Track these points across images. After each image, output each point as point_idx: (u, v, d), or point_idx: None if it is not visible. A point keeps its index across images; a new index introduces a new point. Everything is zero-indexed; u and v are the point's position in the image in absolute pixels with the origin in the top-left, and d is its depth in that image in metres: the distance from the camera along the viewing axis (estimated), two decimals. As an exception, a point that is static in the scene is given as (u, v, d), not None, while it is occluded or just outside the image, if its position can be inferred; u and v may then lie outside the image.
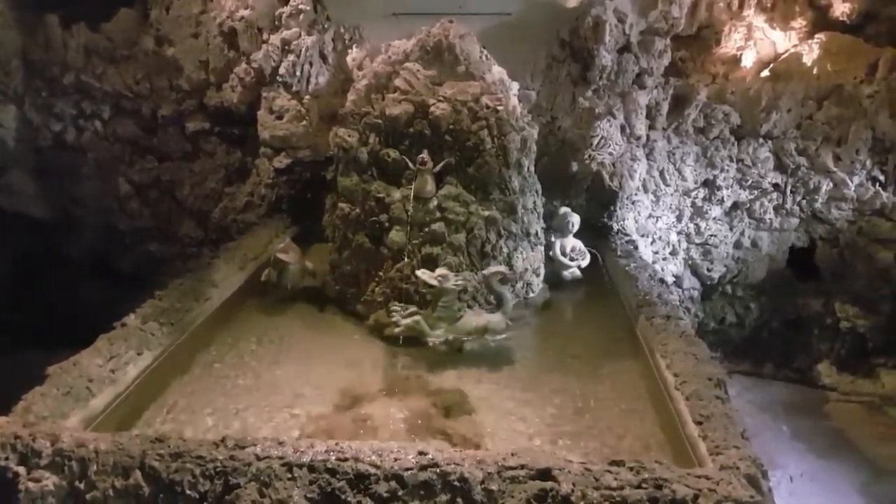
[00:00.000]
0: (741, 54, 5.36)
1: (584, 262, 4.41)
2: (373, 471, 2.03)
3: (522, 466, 2.04)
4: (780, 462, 4.57)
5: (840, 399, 5.49)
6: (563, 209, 4.60)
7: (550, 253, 4.36)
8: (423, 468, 2.03)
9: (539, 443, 2.68)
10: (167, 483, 2.06)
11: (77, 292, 5.56)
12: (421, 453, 2.09)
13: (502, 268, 3.59)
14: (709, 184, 5.39)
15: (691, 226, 5.53)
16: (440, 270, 3.43)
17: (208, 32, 5.13)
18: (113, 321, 3.08)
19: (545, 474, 2.02)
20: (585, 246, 4.52)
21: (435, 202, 3.73)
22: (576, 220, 4.49)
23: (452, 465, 2.03)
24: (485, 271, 3.58)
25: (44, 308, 5.38)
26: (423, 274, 3.42)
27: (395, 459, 2.07)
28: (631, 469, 2.05)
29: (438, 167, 3.76)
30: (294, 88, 4.97)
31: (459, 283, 3.44)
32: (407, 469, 2.03)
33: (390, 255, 3.74)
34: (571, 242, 4.45)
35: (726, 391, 2.71)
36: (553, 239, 4.45)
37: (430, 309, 3.43)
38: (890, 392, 5.44)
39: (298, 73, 4.92)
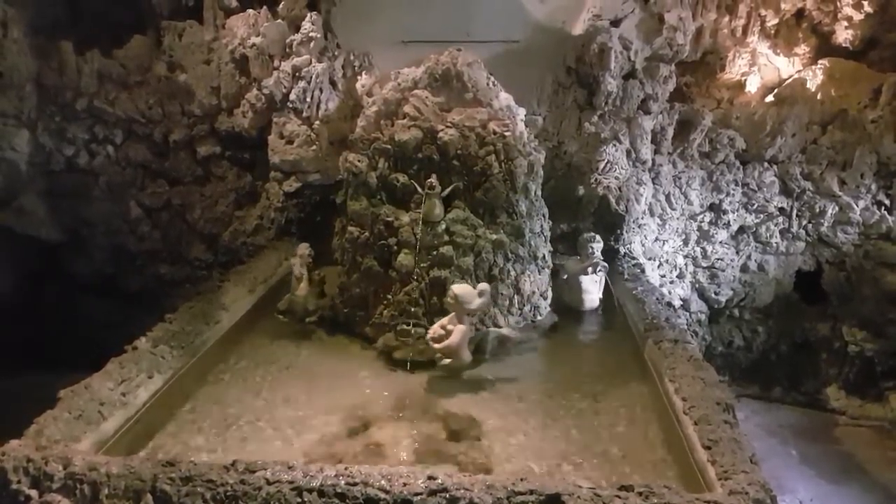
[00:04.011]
0: (745, 80, 5.42)
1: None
2: (382, 495, 2.04)
3: (532, 492, 2.04)
4: (790, 487, 4.53)
5: (849, 423, 5.45)
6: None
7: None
8: (433, 493, 2.04)
9: (548, 467, 2.68)
10: (178, 507, 2.08)
11: (85, 314, 5.59)
12: (430, 478, 2.09)
13: None
14: (715, 208, 5.41)
15: (698, 249, 5.54)
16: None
17: (220, 59, 5.21)
18: (121, 343, 3.10)
19: (555, 499, 2.02)
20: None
21: (443, 226, 3.76)
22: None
23: (462, 491, 2.04)
24: None
25: (52, 330, 5.41)
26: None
27: (405, 484, 2.07)
28: (640, 494, 2.05)
29: (446, 191, 3.80)
30: (304, 114, 5.03)
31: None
32: (416, 494, 2.04)
33: (399, 278, 3.76)
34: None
35: (735, 415, 2.71)
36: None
37: None
38: (900, 416, 5.41)
39: (308, 99, 4.99)
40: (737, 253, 5.58)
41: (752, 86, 5.40)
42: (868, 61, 5.28)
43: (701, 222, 5.44)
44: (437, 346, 3.38)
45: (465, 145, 3.81)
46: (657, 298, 4.14)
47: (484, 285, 3.50)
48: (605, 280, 4.41)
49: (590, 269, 4.29)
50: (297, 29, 4.99)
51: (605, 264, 4.35)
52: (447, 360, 3.41)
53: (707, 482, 2.33)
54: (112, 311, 5.50)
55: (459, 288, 3.41)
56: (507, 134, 3.85)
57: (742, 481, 2.19)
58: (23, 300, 5.52)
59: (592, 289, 4.32)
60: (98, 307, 5.62)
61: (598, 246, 4.35)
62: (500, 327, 3.72)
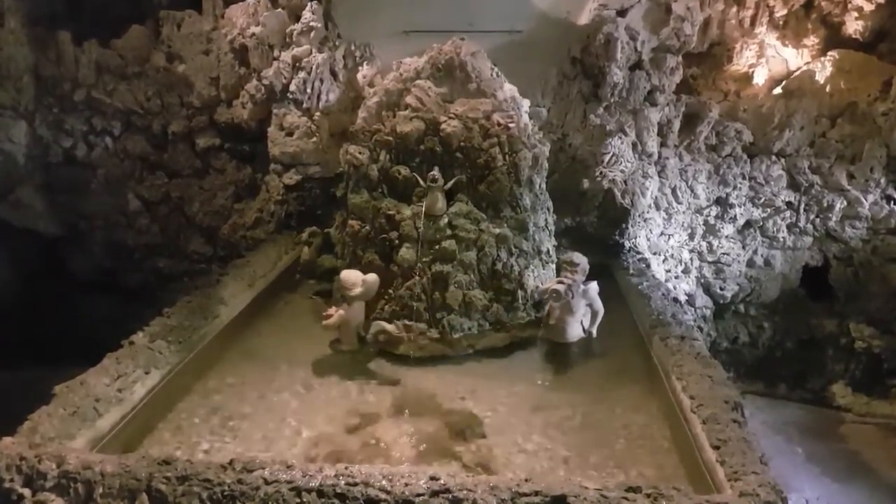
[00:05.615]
0: (753, 71, 5.36)
1: None
2: (383, 496, 1.99)
3: (537, 493, 1.99)
4: (796, 485, 4.48)
5: (855, 421, 5.40)
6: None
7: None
8: (435, 494, 1.99)
9: (553, 467, 2.63)
10: (174, 507, 2.03)
11: (84, 310, 5.54)
12: (433, 478, 2.04)
13: None
14: (721, 202, 5.34)
15: (704, 244, 5.48)
16: None
17: (219, 49, 5.15)
18: (120, 339, 3.06)
19: (560, 501, 1.97)
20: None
21: (445, 220, 3.71)
22: None
23: (465, 492, 1.99)
24: None
25: (49, 324, 5.36)
26: None
27: (406, 485, 2.02)
28: (648, 496, 2.00)
29: (449, 184, 3.75)
30: (304, 105, 4.96)
31: None
32: (418, 495, 1.99)
33: (400, 272, 3.71)
34: None
35: (743, 414, 2.66)
36: None
37: None
38: (906, 414, 5.36)
39: (309, 90, 4.91)
40: (743, 247, 5.52)
41: (760, 78, 5.34)
42: (878, 53, 5.22)
43: (707, 216, 5.38)
44: (323, 322, 3.48)
45: (468, 137, 3.75)
46: (663, 294, 4.08)
47: (371, 276, 3.46)
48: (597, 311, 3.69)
49: (546, 296, 3.63)
50: (298, 18, 4.92)
51: (560, 293, 3.53)
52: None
53: (716, 483, 2.27)
54: (111, 307, 5.47)
55: (345, 273, 3.46)
56: (511, 126, 3.79)
57: (752, 482, 2.14)
58: (21, 297, 5.48)
59: (569, 319, 3.59)
60: (97, 303, 5.58)
61: (574, 268, 3.60)
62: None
